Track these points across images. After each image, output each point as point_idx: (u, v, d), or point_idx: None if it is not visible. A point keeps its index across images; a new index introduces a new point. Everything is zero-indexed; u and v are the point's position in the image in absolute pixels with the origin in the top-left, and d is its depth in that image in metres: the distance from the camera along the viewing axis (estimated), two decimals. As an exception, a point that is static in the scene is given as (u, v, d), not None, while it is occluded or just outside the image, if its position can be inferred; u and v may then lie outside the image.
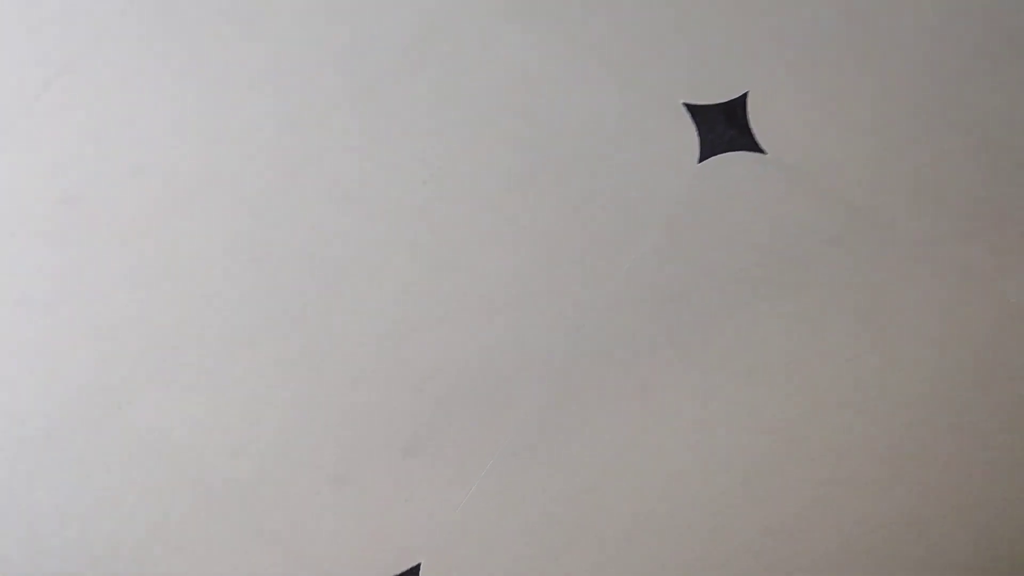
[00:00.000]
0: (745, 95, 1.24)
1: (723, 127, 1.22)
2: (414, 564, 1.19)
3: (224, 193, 1.17)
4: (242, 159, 1.19)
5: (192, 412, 1.17)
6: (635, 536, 1.21)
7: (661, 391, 1.20)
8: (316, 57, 1.24)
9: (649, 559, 1.21)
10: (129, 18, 1.24)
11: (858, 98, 1.25)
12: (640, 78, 1.25)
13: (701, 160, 1.21)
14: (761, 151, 1.22)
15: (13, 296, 1.14)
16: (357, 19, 1.26)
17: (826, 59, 1.26)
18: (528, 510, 1.20)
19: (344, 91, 1.22)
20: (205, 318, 1.17)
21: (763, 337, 1.20)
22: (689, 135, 1.22)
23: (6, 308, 1.14)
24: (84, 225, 1.13)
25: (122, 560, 1.18)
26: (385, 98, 1.22)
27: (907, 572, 1.21)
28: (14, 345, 1.16)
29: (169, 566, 1.18)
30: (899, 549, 1.21)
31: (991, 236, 1.21)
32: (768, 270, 1.20)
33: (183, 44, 1.23)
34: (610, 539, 1.21)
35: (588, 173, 1.21)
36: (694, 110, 1.23)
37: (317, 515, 1.19)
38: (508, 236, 1.18)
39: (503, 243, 1.18)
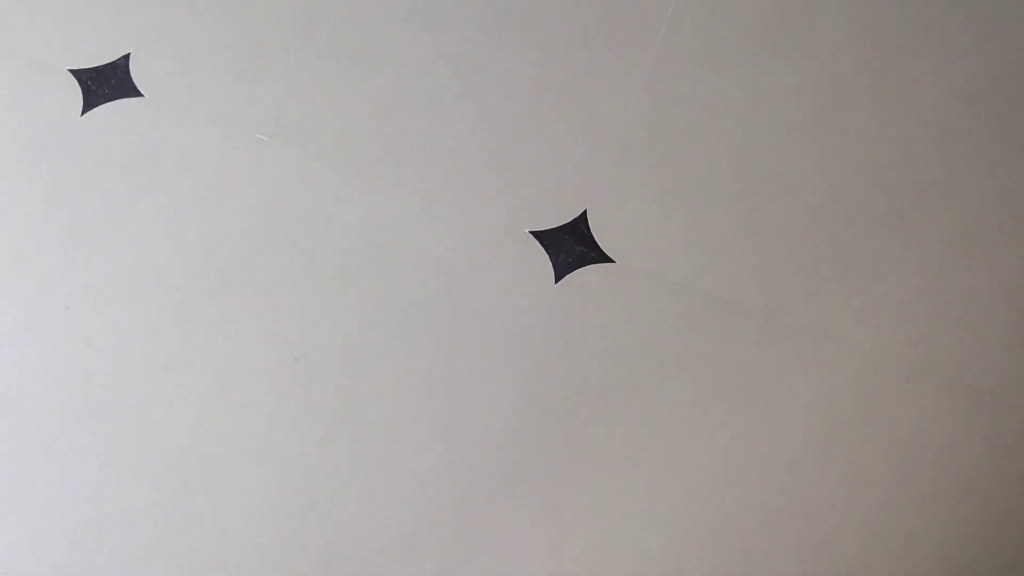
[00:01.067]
0: (584, 212, 1.33)
1: (571, 245, 1.31)
2: None
3: (99, 400, 1.16)
4: (107, 370, 1.19)
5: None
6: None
7: (565, 507, 1.24)
8: (172, 258, 1.26)
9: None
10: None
11: (685, 191, 1.35)
12: (484, 215, 1.32)
13: (558, 280, 1.28)
14: (610, 260, 1.30)
15: None
16: (210, 215, 1.30)
17: (651, 162, 1.37)
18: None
19: (198, 287, 1.25)
20: None
21: (650, 430, 1.27)
22: (541, 259, 1.30)
23: None
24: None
25: None
26: (250, 283, 1.25)
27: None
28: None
29: None
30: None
31: (833, 291, 1.32)
32: (642, 367, 1.27)
33: (40, 271, 1.24)
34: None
35: (452, 312, 1.26)
36: (540, 235, 1.31)
37: None
38: (385, 387, 1.21)
39: (381, 397, 1.21)
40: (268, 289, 1.26)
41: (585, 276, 1.29)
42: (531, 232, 1.32)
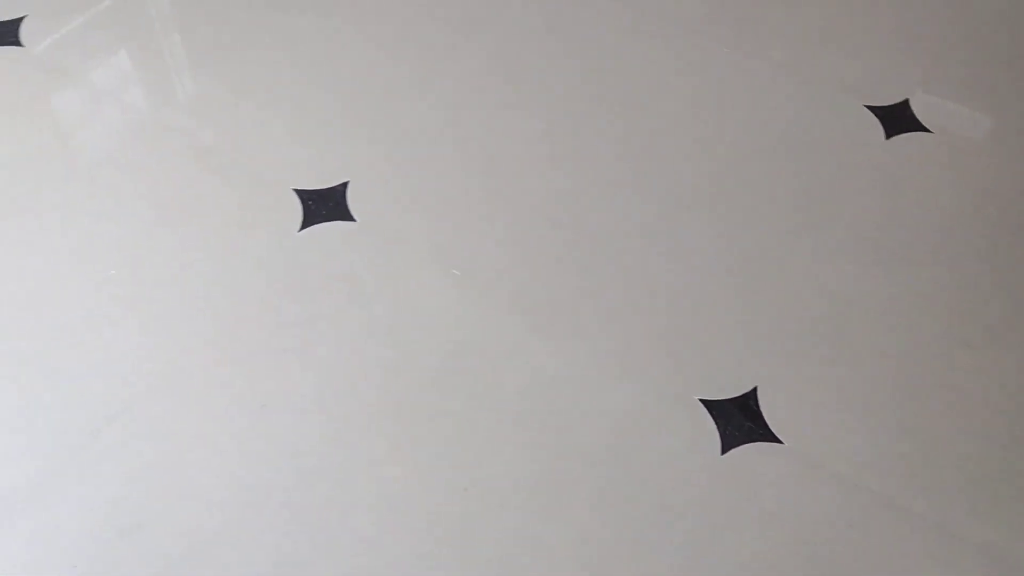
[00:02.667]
0: (755, 389, 1.36)
1: (740, 418, 1.33)
2: None
3: (280, 516, 1.23)
4: (294, 475, 1.26)
5: None
6: None
7: None
8: (360, 375, 1.35)
9: None
10: (193, 361, 1.36)
11: (861, 385, 1.37)
12: (658, 376, 1.37)
13: (724, 452, 1.30)
14: (778, 440, 1.31)
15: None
16: (399, 339, 1.40)
17: (830, 351, 1.40)
18: None
19: (383, 406, 1.33)
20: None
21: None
22: (709, 428, 1.32)
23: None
24: (141, 558, 1.18)
25: None
26: (428, 410, 1.33)
27: None
28: None
29: None
30: None
31: (999, 510, 1.28)
32: (794, 557, 1.25)
33: (240, 373, 1.35)
34: None
35: (616, 469, 1.29)
36: (710, 405, 1.34)
37: None
38: (543, 537, 1.23)
39: (540, 544, 1.23)
40: (444, 417, 1.33)
41: (751, 452, 1.30)
42: (701, 400, 1.35)
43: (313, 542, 1.20)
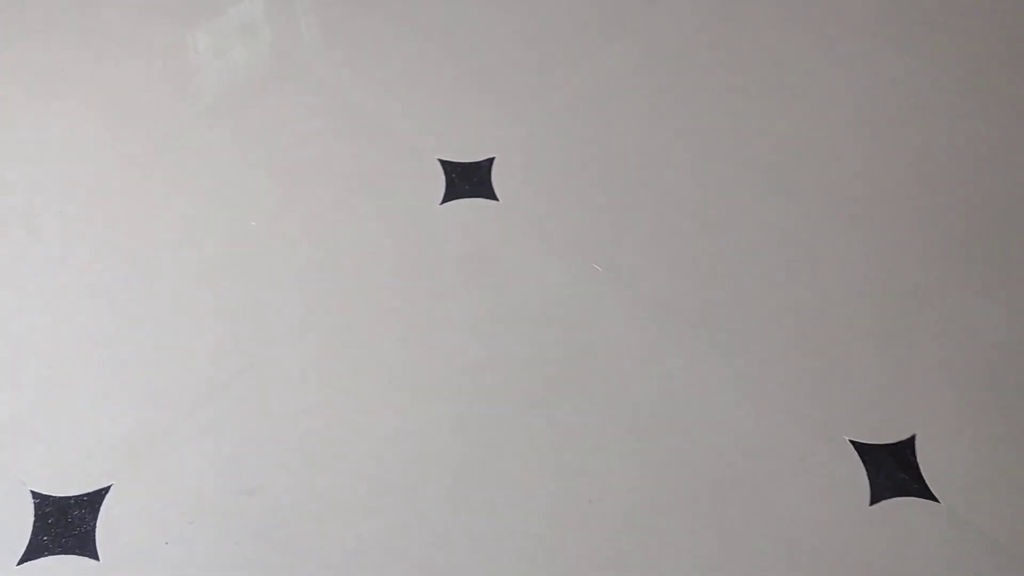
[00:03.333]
0: (913, 437, 1.24)
1: (893, 468, 1.21)
2: None
3: (398, 499, 1.19)
4: (416, 462, 1.21)
5: None
6: None
7: None
8: (484, 362, 1.30)
9: None
10: (319, 321, 1.33)
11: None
12: (802, 407, 1.26)
13: (873, 503, 1.19)
14: (934, 499, 1.19)
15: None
16: (527, 330, 1.33)
17: (996, 406, 1.27)
18: None
19: (504, 397, 1.27)
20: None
21: None
22: (858, 473, 1.21)
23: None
24: (264, 517, 1.16)
25: None
26: (549, 409, 1.26)
27: None
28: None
29: None
30: None
31: None
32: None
33: (362, 341, 1.31)
34: None
35: (747, 501, 1.19)
36: (861, 448, 1.23)
37: None
38: (662, 563, 1.16)
39: (661, 566, 1.16)
40: (566, 420, 1.26)
41: (902, 507, 1.19)
42: (851, 441, 1.24)
43: (432, 532, 1.16)
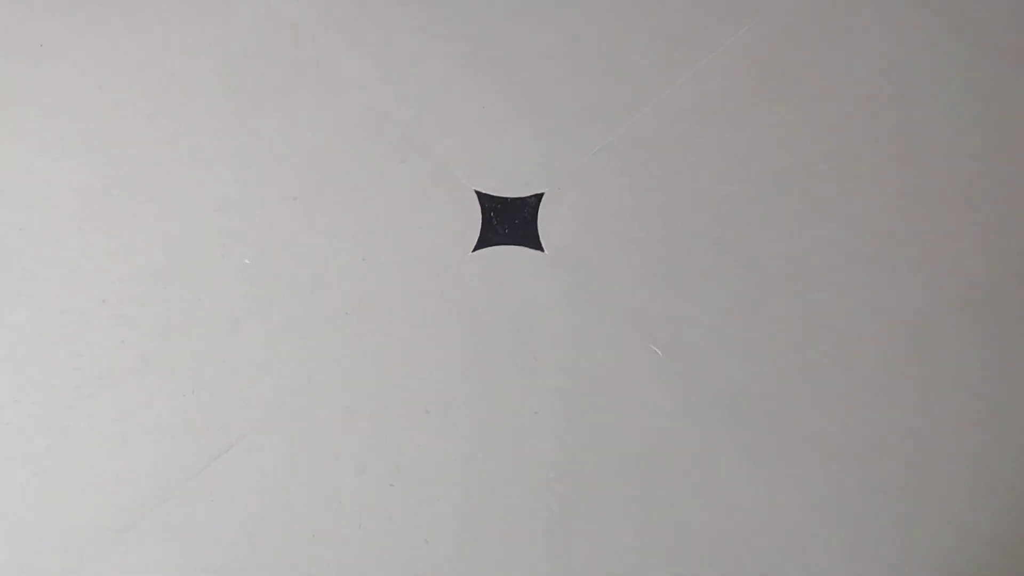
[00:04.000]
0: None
1: None
2: None
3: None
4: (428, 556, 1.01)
5: None
6: None
7: None
8: (520, 447, 1.07)
9: None
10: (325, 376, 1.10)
11: None
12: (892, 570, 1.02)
13: None
14: None
15: None
16: (573, 416, 1.09)
17: None
18: None
19: (539, 490, 1.05)
20: None
21: None
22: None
23: None
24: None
25: None
26: (586, 510, 1.03)
27: None
28: None
29: None
30: None
31: None
32: None
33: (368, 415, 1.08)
34: None
35: None
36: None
37: None
38: None
39: None
40: (614, 524, 1.03)
41: None
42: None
43: None
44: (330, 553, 1.04)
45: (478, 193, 1.25)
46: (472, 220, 1.23)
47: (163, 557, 1.03)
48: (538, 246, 1.21)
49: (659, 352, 1.15)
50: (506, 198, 1.25)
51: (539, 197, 1.25)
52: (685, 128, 1.29)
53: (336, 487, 1.07)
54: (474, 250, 1.21)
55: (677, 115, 1.31)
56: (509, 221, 1.23)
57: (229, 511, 1.05)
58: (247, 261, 1.19)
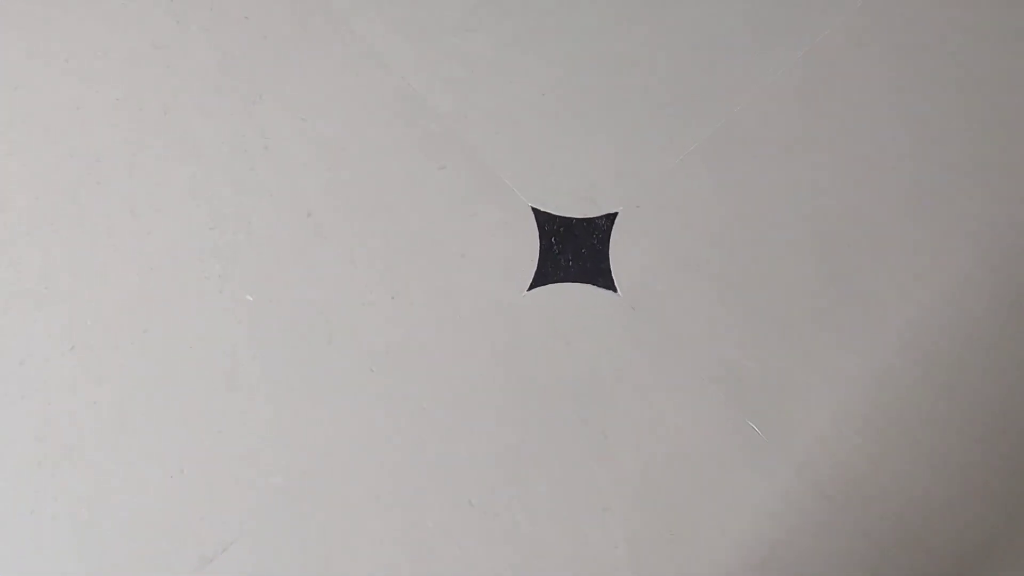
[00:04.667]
0: None
1: None
2: None
3: None
4: None
5: None
6: None
7: None
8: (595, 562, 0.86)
9: None
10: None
11: None
12: None
13: None
14: None
15: None
16: (659, 513, 0.88)
17: None
18: None
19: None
20: None
21: None
22: None
23: None
24: None
25: None
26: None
27: None
28: None
29: None
30: None
31: None
32: None
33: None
34: None
35: None
36: None
37: None
38: None
39: None
40: None
41: None
42: None
43: None
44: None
45: (535, 211, 1.00)
46: (527, 247, 0.99)
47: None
48: (610, 284, 0.97)
49: (758, 431, 0.92)
50: (571, 219, 1.00)
51: (611, 219, 1.00)
52: (793, 126, 1.02)
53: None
54: (530, 288, 0.97)
55: (783, 110, 1.03)
56: (574, 249, 0.98)
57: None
58: (249, 298, 0.96)
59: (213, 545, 0.87)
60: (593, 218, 1.00)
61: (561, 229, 0.99)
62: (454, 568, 0.87)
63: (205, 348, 0.94)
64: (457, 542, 0.88)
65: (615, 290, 0.97)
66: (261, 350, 0.94)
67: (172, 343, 0.94)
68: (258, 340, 0.94)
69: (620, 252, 0.98)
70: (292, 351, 0.94)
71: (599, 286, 0.97)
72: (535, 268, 0.97)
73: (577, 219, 1.00)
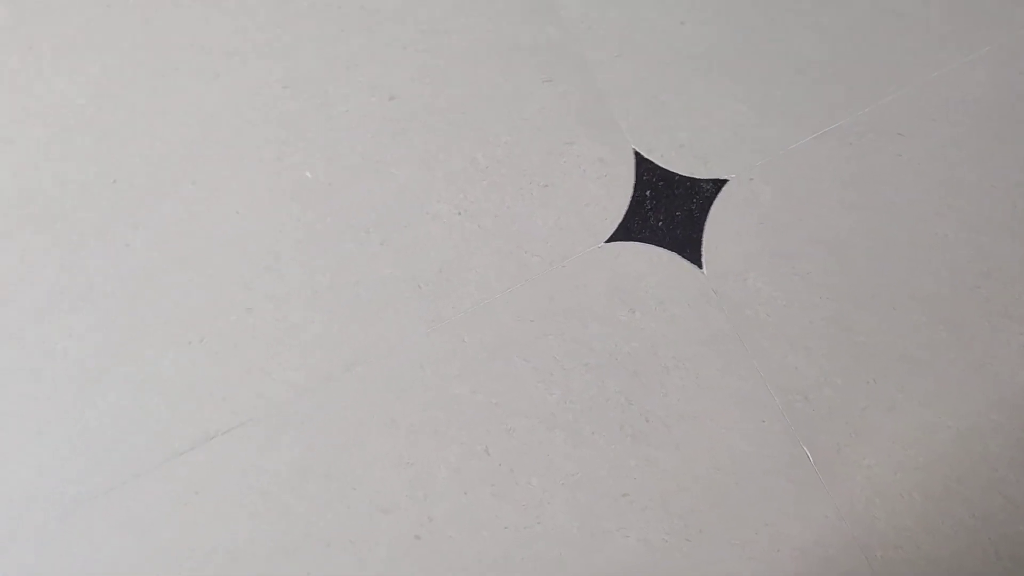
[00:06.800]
0: None
1: None
2: None
3: None
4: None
5: None
6: None
7: None
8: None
9: None
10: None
11: None
12: None
13: None
14: None
15: None
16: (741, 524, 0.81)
17: None
18: None
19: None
20: None
21: None
22: None
23: None
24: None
25: None
26: None
27: None
28: None
29: None
30: None
31: None
32: None
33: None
34: None
35: None
36: None
37: None
38: None
39: None
40: None
41: None
42: None
43: None
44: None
45: (637, 156, 0.88)
46: (618, 194, 0.88)
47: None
48: (697, 259, 0.87)
49: (811, 460, 0.84)
50: (674, 174, 0.88)
51: (718, 185, 0.88)
52: (955, 126, 0.87)
53: None
54: (608, 240, 0.87)
55: (946, 106, 0.88)
56: (668, 209, 0.88)
57: None
58: (309, 175, 0.87)
59: (216, 425, 0.83)
60: (699, 180, 0.88)
61: (660, 183, 0.88)
62: (453, 514, 0.83)
63: (251, 218, 0.87)
64: (464, 490, 0.83)
65: (701, 267, 0.86)
66: (308, 236, 0.86)
67: (217, 203, 0.87)
68: (307, 224, 0.87)
69: (718, 226, 0.87)
70: (340, 245, 0.86)
71: (685, 257, 0.86)
72: (620, 220, 0.87)
73: (681, 176, 0.88)
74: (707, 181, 0.88)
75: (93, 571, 0.79)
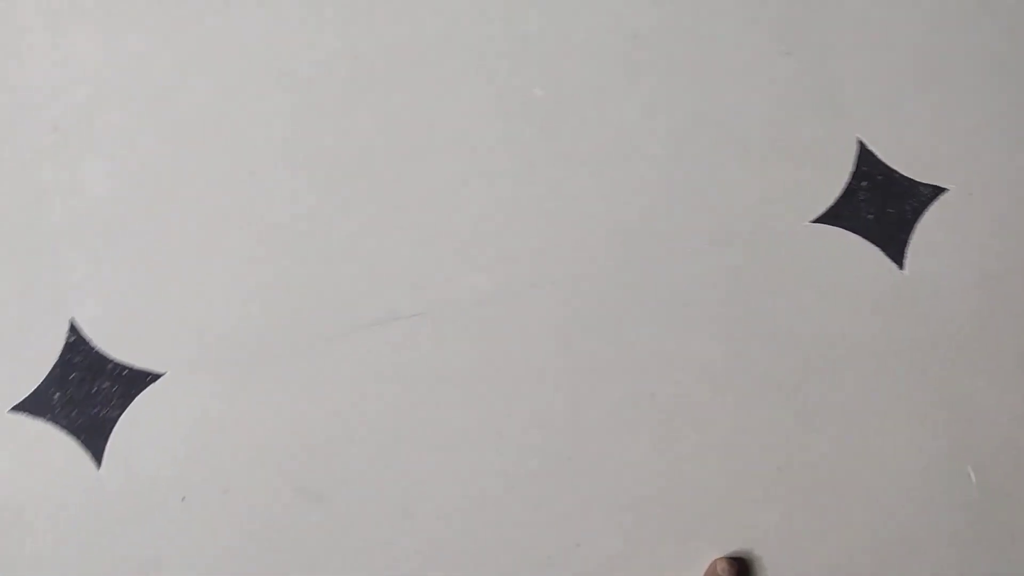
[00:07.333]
0: None
1: None
2: None
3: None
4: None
5: None
6: None
7: None
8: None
9: None
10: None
11: None
12: None
13: None
14: None
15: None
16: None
17: None
18: None
19: None
20: None
21: None
22: None
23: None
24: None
25: None
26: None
27: None
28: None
29: None
30: None
31: None
32: None
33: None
34: None
35: None
36: None
37: None
38: None
39: None
40: None
41: None
42: None
43: None
44: None
45: (861, 146, 0.88)
46: (833, 179, 0.88)
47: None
48: (899, 260, 0.86)
49: (973, 477, 0.82)
50: (895, 171, 0.88)
51: (936, 192, 0.87)
52: None
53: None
54: (815, 220, 0.87)
55: None
56: (880, 204, 0.87)
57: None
58: (539, 91, 0.90)
59: (402, 306, 0.86)
60: (918, 182, 0.87)
61: (879, 177, 0.87)
62: (604, 449, 0.84)
63: (471, 117, 0.90)
64: (621, 429, 0.84)
65: (901, 267, 0.85)
66: (522, 150, 0.89)
67: (447, 100, 0.90)
68: (525, 142, 0.89)
69: (928, 232, 0.86)
70: (548, 170, 0.89)
71: (886, 254, 0.86)
72: (830, 204, 0.87)
73: (901, 175, 0.87)
74: (927, 186, 0.87)
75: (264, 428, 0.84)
